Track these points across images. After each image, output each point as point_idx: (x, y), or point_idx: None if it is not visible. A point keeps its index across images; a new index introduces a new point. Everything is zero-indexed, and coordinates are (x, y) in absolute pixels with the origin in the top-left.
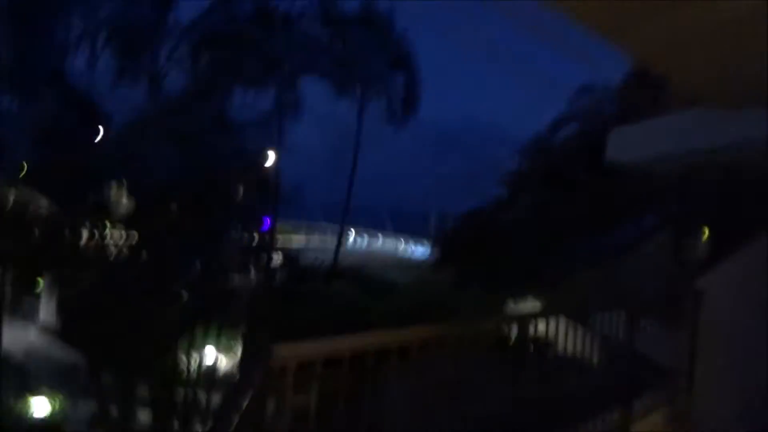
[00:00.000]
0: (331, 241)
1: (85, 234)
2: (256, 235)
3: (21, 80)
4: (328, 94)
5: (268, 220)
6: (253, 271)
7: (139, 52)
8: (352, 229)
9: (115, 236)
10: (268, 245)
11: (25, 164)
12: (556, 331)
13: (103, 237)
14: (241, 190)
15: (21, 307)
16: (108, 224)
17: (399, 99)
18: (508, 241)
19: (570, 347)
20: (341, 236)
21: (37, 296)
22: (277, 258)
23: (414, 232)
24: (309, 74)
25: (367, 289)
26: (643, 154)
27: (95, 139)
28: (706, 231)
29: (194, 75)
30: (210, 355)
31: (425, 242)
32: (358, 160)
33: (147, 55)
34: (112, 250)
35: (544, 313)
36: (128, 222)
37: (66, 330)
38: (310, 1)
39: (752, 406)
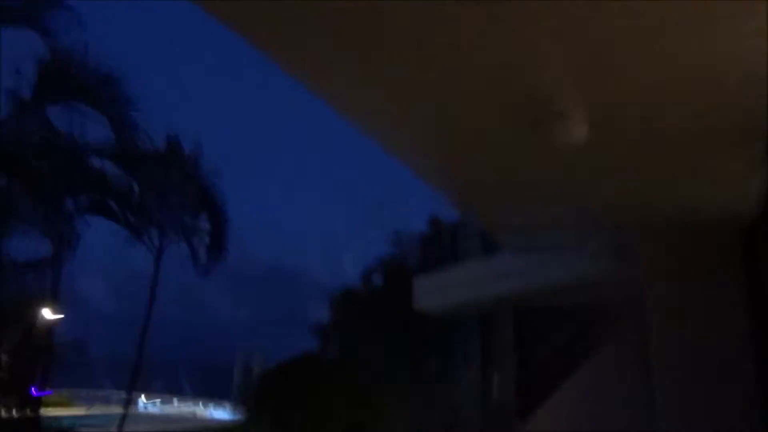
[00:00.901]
0: (116, 410)
1: None
2: (17, 410)
3: None
4: (120, 238)
5: (35, 389)
6: None
7: None
8: (143, 395)
9: None
10: (34, 422)
11: None
12: None
13: None
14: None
15: None
16: None
17: (203, 244)
18: (319, 395)
19: None
20: (128, 405)
21: None
22: None
23: (215, 392)
24: (97, 215)
25: None
26: (443, 301)
27: None
28: (514, 369)
29: None
30: None
31: (227, 403)
32: (152, 314)
33: None
34: None
35: None
36: None
37: None
38: (105, 135)
39: None
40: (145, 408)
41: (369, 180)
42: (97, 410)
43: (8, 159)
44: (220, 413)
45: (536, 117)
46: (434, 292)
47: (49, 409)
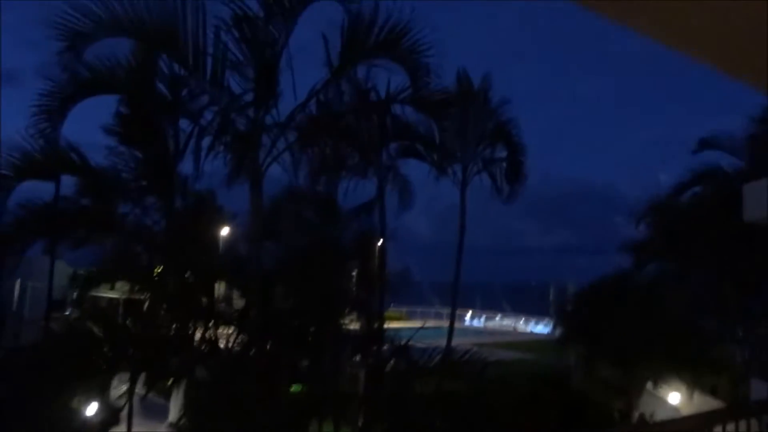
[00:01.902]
0: (446, 325)
1: (200, 333)
2: (365, 325)
3: (140, 190)
4: (430, 176)
5: (379, 307)
6: (362, 364)
7: (243, 151)
8: (469, 312)
9: (228, 334)
10: (376, 334)
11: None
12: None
13: (216, 335)
14: (350, 278)
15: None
16: (221, 322)
17: (503, 172)
18: (637, 313)
19: None
20: (453, 319)
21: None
22: (386, 348)
23: (533, 310)
24: (407, 158)
25: (483, 379)
26: None
27: (215, 239)
28: None
29: (294, 168)
30: None
31: (545, 319)
32: (464, 240)
33: (250, 153)
34: (228, 347)
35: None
36: (239, 319)
37: (192, 428)
38: (402, 86)
39: None
40: (471, 323)
41: (676, 88)
42: (430, 324)
43: (331, 119)
44: (539, 328)
45: None
46: None
47: (390, 323)
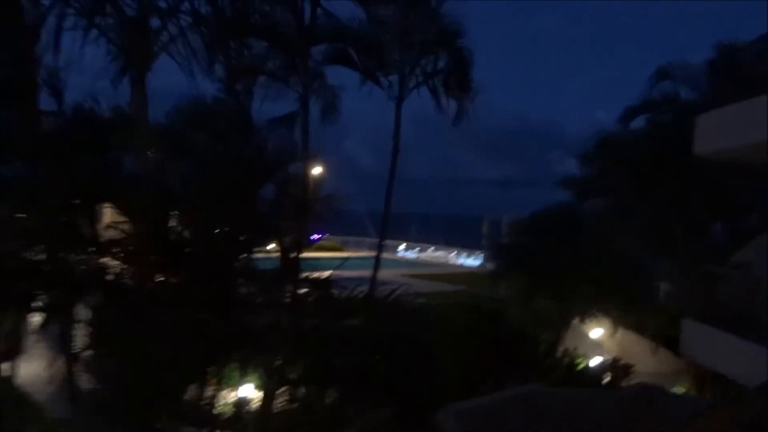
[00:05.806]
0: (373, 255)
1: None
2: (286, 255)
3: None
4: (363, 88)
5: (309, 236)
6: (281, 296)
7: (128, 38)
8: (403, 244)
9: (129, 260)
10: (292, 265)
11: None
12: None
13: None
14: (266, 202)
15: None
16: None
17: (447, 88)
18: (573, 248)
19: None
20: (380, 250)
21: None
22: (309, 281)
23: (467, 242)
24: (336, 64)
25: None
26: (742, 142)
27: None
28: None
29: (210, 70)
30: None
31: (478, 252)
32: (397, 166)
33: (136, 41)
34: (131, 274)
35: None
36: (126, 246)
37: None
38: None
39: None
40: (405, 254)
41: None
42: (363, 254)
43: (258, 25)
44: (471, 261)
45: None
46: (729, 131)
47: (323, 253)
